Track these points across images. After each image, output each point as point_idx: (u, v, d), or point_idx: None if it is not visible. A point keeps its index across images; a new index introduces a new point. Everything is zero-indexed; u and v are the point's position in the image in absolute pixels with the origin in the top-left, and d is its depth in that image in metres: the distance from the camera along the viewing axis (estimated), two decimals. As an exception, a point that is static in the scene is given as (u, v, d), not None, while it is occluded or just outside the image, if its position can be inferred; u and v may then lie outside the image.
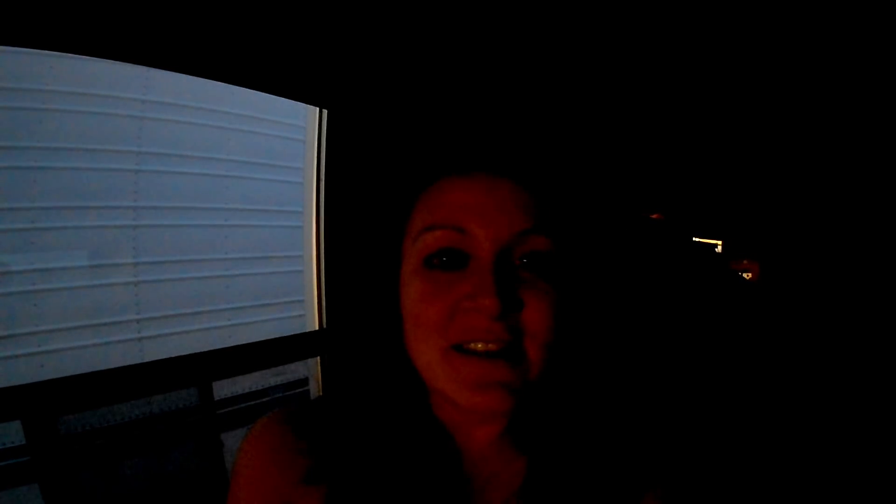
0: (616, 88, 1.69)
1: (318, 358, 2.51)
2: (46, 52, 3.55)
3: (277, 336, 2.54)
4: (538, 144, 0.70)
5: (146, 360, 3.78)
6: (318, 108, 2.22)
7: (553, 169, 0.66)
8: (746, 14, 1.31)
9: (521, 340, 0.59)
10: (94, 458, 3.12)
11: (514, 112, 1.61)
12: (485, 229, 0.59)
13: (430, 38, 1.38)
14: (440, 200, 0.63)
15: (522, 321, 0.59)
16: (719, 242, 3.01)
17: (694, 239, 2.88)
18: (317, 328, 2.38)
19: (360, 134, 1.79)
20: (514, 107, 1.63)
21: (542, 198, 0.63)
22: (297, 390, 4.75)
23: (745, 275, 2.93)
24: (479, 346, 0.59)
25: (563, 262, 0.62)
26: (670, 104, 1.82)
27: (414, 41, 1.39)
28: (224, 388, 4.16)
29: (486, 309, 0.57)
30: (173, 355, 2.20)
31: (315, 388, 2.73)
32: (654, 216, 2.37)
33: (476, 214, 0.60)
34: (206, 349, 2.42)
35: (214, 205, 4.70)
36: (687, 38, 1.42)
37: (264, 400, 4.52)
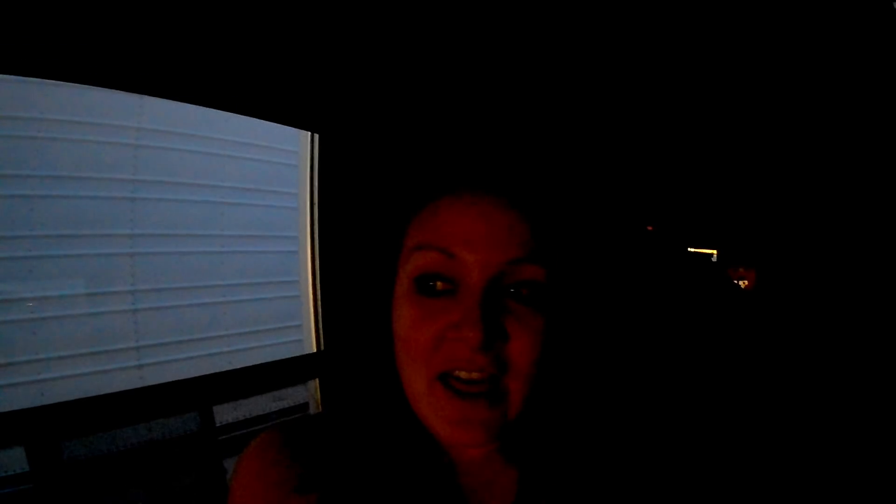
0: (609, 99, 1.70)
1: (317, 380, 2.50)
2: (41, 80, 3.58)
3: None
4: (536, 163, 0.70)
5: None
6: (309, 133, 2.23)
7: (551, 189, 0.65)
8: (737, 25, 1.33)
9: (505, 373, 0.59)
10: (96, 484, 3.10)
11: (512, 130, 1.61)
12: (475, 256, 0.58)
13: (423, 57, 1.39)
14: (433, 222, 0.61)
15: (507, 354, 0.58)
16: (714, 252, 3.01)
17: (689, 249, 2.88)
18: (315, 351, 2.37)
19: (353, 157, 1.79)
20: (511, 124, 1.63)
21: (539, 223, 0.61)
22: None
23: (741, 282, 2.93)
24: (463, 374, 0.58)
25: (555, 291, 0.61)
26: (661, 115, 1.83)
27: (406, 61, 1.40)
28: (225, 414, 4.16)
29: (470, 340, 0.56)
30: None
31: (314, 410, 2.73)
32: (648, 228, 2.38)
33: (467, 240, 0.59)
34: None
35: (211, 231, 4.70)
36: (679, 48, 1.43)
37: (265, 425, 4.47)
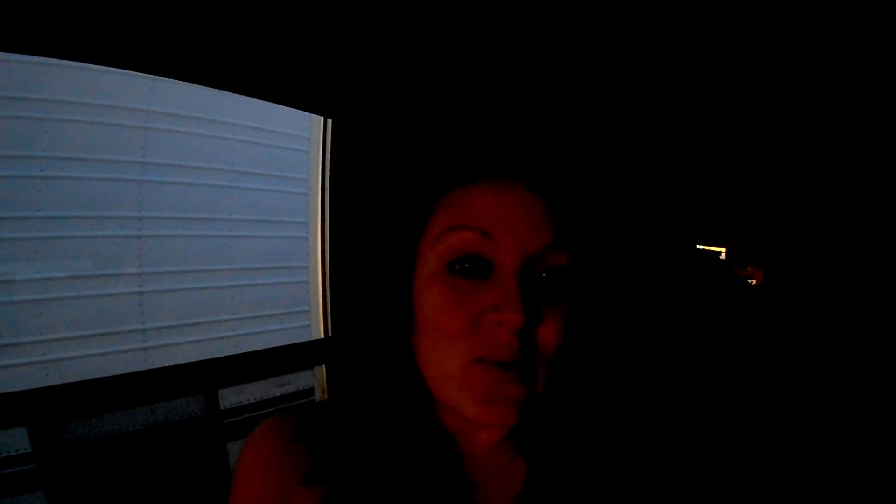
0: (626, 97, 1.69)
1: (324, 366, 2.50)
2: (51, 61, 3.58)
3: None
4: (567, 153, 0.70)
5: (151, 369, 3.78)
6: (322, 118, 2.22)
7: (580, 179, 0.65)
8: (747, 23, 1.32)
9: (533, 358, 0.58)
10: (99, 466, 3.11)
11: (545, 117, 1.61)
12: (513, 238, 0.58)
13: (445, 40, 1.37)
14: (466, 204, 0.61)
15: (537, 338, 0.58)
16: (723, 249, 3.00)
17: (698, 246, 2.87)
18: (322, 336, 2.37)
19: (369, 142, 1.78)
20: (544, 112, 1.62)
21: (565, 211, 0.61)
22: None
23: (750, 280, 2.92)
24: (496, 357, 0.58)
25: (579, 278, 0.61)
26: (674, 111, 1.83)
27: (427, 44, 1.38)
28: (229, 398, 4.16)
29: (511, 322, 0.55)
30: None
31: (320, 397, 2.73)
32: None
33: (504, 222, 0.58)
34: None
35: (219, 215, 4.70)
36: (692, 45, 1.43)
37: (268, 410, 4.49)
